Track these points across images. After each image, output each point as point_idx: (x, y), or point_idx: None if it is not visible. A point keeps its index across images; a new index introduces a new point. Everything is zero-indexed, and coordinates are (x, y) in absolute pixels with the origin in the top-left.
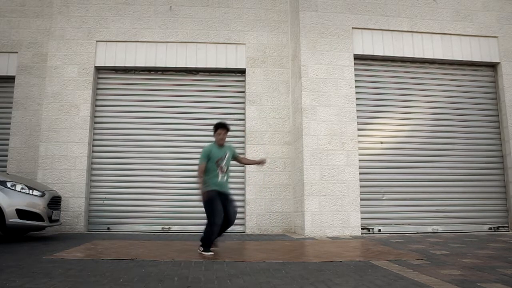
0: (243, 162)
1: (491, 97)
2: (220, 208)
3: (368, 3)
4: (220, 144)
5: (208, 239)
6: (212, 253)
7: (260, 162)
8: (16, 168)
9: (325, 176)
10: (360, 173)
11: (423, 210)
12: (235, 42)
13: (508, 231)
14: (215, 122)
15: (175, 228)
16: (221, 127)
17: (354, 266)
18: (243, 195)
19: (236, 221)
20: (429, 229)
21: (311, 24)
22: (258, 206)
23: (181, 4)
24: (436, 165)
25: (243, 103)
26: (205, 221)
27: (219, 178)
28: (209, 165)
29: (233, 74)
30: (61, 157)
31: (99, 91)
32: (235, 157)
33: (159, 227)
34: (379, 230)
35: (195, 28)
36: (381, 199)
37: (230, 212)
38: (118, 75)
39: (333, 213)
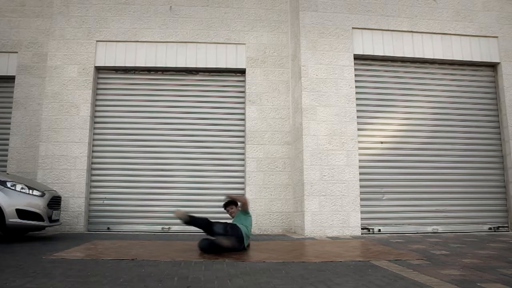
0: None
1: (491, 97)
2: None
3: (368, 3)
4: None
5: None
6: None
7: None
8: (16, 168)
9: (325, 176)
10: (360, 173)
11: (423, 210)
12: (235, 42)
13: (508, 231)
14: (214, 122)
15: (175, 228)
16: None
17: (354, 266)
18: (243, 195)
19: None
20: (429, 229)
21: (311, 24)
22: (258, 206)
23: (181, 4)
24: (436, 165)
25: (243, 103)
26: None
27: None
28: None
29: (233, 74)
30: (61, 157)
31: (99, 91)
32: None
33: (159, 227)
34: (379, 230)
35: (195, 28)
36: (381, 199)
37: None
38: (118, 75)
39: (333, 213)
